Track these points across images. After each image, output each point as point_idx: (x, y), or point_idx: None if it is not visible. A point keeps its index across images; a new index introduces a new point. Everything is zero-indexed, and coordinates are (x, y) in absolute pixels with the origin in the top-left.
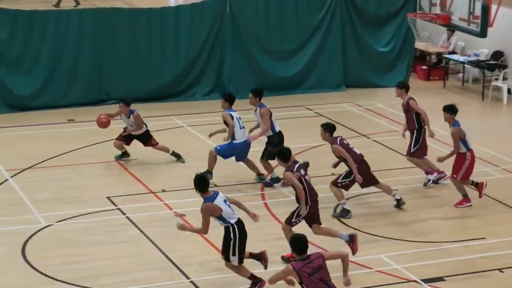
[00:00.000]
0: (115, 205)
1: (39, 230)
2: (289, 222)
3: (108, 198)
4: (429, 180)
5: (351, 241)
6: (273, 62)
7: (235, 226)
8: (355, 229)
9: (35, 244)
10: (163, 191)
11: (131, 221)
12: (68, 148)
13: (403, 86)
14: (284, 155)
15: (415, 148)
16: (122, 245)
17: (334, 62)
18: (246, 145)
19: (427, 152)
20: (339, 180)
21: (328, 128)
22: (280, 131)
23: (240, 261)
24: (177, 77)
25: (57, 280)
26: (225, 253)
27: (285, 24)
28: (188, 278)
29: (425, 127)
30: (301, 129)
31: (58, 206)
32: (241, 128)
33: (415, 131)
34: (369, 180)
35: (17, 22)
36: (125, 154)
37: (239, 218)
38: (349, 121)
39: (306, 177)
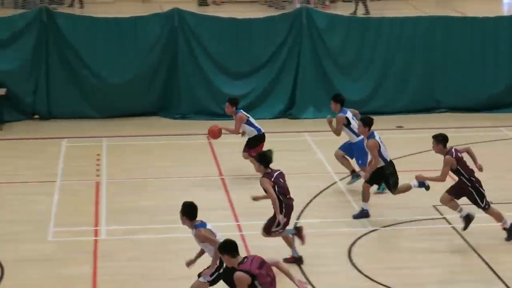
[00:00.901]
0: (441, 214)
1: (365, 234)
2: (268, 231)
3: (434, 206)
4: None
5: (298, 232)
6: None
7: None
8: None
9: (361, 247)
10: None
11: (456, 231)
12: (397, 154)
13: None
14: (266, 159)
15: None
16: (445, 254)
17: None
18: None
19: None
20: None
21: (440, 140)
22: (391, 160)
23: None
24: (510, 87)
25: (380, 284)
26: None
27: None
28: None
29: None
30: None
31: (387, 211)
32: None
33: None
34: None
35: (351, 28)
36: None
37: None
38: None
39: (285, 185)
